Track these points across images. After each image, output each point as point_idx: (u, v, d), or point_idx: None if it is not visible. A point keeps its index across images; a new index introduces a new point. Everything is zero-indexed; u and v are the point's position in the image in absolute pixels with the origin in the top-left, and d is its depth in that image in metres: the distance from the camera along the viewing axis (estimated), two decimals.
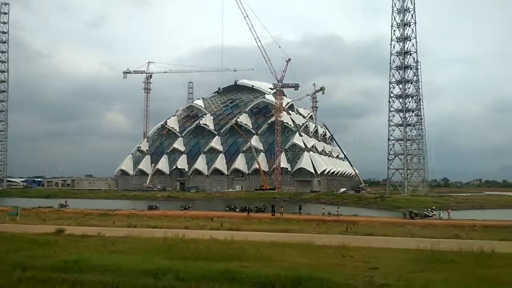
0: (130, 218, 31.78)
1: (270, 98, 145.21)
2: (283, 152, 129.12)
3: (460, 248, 14.68)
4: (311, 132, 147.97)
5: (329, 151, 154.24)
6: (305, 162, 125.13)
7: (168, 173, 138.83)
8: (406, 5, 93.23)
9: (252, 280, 9.53)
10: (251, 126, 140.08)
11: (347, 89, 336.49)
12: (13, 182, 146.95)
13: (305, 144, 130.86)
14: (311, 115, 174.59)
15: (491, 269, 11.59)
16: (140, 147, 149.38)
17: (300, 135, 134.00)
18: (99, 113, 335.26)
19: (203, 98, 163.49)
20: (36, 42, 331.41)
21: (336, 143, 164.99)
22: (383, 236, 21.52)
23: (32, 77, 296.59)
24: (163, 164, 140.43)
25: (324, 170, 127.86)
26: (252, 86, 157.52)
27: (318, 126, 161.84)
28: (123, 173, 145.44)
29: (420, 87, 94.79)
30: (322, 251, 14.87)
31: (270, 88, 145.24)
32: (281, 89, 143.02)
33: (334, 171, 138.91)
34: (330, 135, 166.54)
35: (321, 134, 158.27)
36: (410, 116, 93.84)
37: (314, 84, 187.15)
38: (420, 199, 70.46)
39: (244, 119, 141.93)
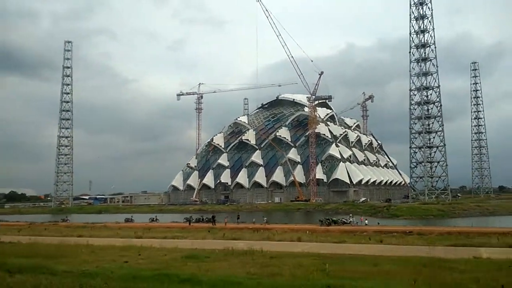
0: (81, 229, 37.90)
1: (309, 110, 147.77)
2: (320, 164, 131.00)
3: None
4: (352, 142, 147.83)
5: (374, 161, 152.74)
6: (340, 172, 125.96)
7: (213, 187, 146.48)
8: (424, 12, 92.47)
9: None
10: (289, 139, 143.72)
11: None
12: (80, 200, 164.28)
13: (341, 155, 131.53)
14: (358, 124, 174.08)
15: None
16: (189, 163, 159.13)
17: (337, 146, 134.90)
18: (181, 130, 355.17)
19: (247, 114, 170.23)
20: (123, 69, 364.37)
21: (384, 152, 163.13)
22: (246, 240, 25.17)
23: (122, 101, 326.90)
24: (208, 179, 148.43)
25: (361, 180, 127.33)
26: (293, 99, 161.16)
27: (363, 135, 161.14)
28: (174, 188, 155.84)
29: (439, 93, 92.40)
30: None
31: (326, 100, 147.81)
32: (322, 101, 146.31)
33: (377, 181, 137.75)
34: (378, 144, 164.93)
35: (366, 144, 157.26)
36: (432, 123, 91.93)
37: (363, 93, 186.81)
38: (423, 207, 69.62)
39: (284, 133, 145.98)
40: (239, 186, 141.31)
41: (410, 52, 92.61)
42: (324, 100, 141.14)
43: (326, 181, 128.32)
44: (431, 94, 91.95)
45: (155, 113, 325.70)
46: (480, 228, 37.68)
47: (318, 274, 13.09)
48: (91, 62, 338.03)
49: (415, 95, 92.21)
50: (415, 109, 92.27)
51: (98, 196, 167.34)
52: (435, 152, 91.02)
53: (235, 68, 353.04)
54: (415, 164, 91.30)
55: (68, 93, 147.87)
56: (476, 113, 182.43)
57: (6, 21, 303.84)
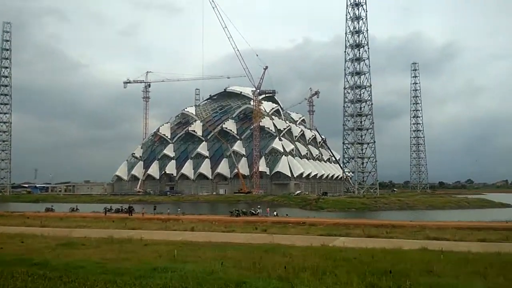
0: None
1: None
2: (263, 157, 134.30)
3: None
4: (296, 136, 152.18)
5: (317, 155, 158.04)
6: (282, 165, 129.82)
7: (158, 178, 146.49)
8: (359, 13, 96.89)
9: None
10: (235, 132, 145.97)
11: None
12: (21, 188, 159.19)
13: (284, 148, 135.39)
14: (303, 119, 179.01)
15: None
16: (135, 153, 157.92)
17: (280, 140, 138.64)
18: (136, 119, 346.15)
19: (195, 105, 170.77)
20: (73, 53, 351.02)
21: (328, 146, 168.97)
22: (144, 230, 26.94)
23: (72, 87, 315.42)
24: (153, 170, 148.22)
25: (302, 173, 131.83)
26: (241, 92, 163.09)
27: (307, 130, 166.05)
28: (119, 178, 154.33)
29: (370, 91, 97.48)
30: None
31: (271, 94, 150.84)
32: (268, 95, 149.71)
33: (318, 175, 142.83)
34: (322, 139, 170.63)
35: (310, 138, 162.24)
36: (364, 121, 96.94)
37: (310, 88, 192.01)
38: (348, 201, 74.19)
39: (230, 125, 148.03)
40: (185, 177, 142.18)
41: (345, 51, 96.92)
42: (271, 94, 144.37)
43: (268, 173, 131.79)
44: (363, 93, 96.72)
45: (107, 100, 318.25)
46: (376, 220, 41.51)
47: (162, 259, 15.14)
48: (40, 43, 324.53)
49: (348, 93, 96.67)
50: (349, 107, 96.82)
51: (38, 185, 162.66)
52: (366, 148, 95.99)
53: (190, 56, 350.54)
54: (347, 159, 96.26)
55: (7, 77, 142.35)
56: (414, 111, 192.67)
57: None
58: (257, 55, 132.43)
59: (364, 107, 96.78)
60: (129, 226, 28.50)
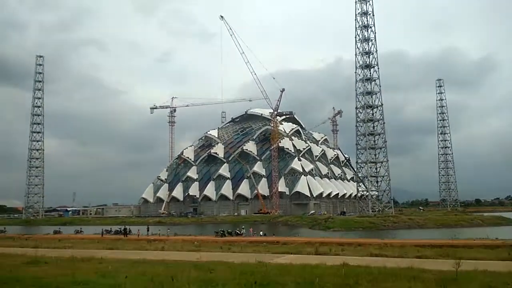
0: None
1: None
2: (283, 177, 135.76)
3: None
4: (317, 156, 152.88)
5: (339, 174, 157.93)
6: (301, 185, 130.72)
7: (181, 199, 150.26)
8: (368, 35, 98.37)
9: None
10: (256, 153, 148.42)
11: (418, 105, 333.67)
12: (55, 212, 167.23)
13: (303, 168, 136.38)
14: (325, 139, 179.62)
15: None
16: (160, 176, 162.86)
17: (299, 160, 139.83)
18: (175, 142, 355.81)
19: (218, 128, 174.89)
20: (112, 81, 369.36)
21: (351, 166, 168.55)
22: (119, 250, 29.52)
23: (111, 113, 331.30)
24: (177, 192, 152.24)
25: (322, 193, 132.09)
26: (261, 114, 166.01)
27: (329, 150, 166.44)
28: (145, 200, 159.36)
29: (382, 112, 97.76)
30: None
31: (282, 115, 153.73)
32: (288, 116, 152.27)
33: (340, 194, 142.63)
34: (345, 158, 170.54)
35: (332, 158, 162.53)
36: (377, 140, 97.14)
37: (333, 107, 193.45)
38: (356, 220, 74.47)
39: (250, 147, 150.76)
40: (207, 198, 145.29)
41: (355, 72, 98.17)
42: (288, 116, 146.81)
43: (288, 194, 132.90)
44: (375, 112, 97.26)
45: (143, 125, 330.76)
46: (365, 239, 42.45)
47: (95, 275, 17.46)
48: (81, 73, 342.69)
49: (360, 112, 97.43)
50: (361, 126, 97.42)
51: (70, 209, 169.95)
52: (379, 167, 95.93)
53: (223, 80, 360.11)
54: (361, 178, 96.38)
55: (39, 107, 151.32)
56: (441, 128, 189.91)
57: None
58: (273, 78, 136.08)
59: (376, 126, 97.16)
60: (109, 246, 31.16)
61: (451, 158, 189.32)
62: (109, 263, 21.13)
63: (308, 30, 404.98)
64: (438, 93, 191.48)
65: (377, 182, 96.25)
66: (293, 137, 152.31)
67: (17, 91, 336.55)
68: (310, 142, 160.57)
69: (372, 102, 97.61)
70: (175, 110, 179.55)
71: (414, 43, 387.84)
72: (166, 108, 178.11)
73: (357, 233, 64.91)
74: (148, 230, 53.13)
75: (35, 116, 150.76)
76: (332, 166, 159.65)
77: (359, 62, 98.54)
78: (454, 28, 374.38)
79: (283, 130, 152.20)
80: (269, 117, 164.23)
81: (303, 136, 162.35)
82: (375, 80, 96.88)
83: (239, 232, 46.25)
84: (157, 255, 23.85)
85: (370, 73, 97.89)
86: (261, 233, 45.55)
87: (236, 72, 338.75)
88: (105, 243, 34.59)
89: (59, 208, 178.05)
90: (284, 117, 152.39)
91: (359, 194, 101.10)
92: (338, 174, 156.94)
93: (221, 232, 43.59)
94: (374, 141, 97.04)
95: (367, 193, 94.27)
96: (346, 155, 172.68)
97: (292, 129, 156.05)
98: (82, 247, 31.51)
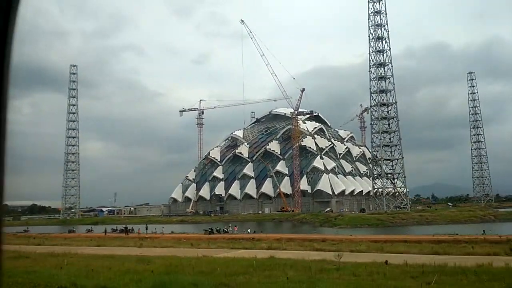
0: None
1: (300, 124, 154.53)
2: (305, 175, 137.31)
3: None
4: (341, 154, 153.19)
5: (364, 171, 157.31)
6: (322, 184, 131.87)
7: (208, 199, 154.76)
8: (382, 34, 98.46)
9: None
10: (279, 152, 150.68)
11: (462, 98, 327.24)
12: (91, 212, 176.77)
13: (325, 166, 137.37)
14: (351, 136, 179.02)
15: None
16: (188, 176, 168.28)
17: (322, 158, 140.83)
18: (206, 143, 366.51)
19: (244, 128, 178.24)
20: (151, 84, 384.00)
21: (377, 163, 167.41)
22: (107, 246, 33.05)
23: (150, 115, 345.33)
24: (204, 191, 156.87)
25: (344, 191, 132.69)
26: (285, 114, 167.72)
27: (354, 147, 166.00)
28: (174, 200, 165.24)
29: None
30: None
31: (303, 115, 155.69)
32: (312, 115, 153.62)
33: (364, 191, 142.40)
34: (371, 156, 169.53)
35: (357, 155, 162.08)
36: (392, 137, 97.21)
37: (361, 104, 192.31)
38: (363, 217, 75.46)
39: (274, 146, 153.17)
40: (232, 197, 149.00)
41: (369, 71, 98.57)
42: (310, 114, 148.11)
43: (310, 192, 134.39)
44: (391, 110, 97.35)
45: (180, 126, 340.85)
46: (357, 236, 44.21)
47: (53, 267, 20.75)
48: (121, 77, 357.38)
49: (375, 111, 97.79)
50: (376, 124, 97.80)
51: (104, 209, 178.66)
52: (395, 164, 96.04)
53: (258, 80, 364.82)
54: (376, 175, 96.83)
55: (74, 113, 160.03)
56: (474, 122, 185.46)
57: (40, 40, 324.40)
58: (294, 78, 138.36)
59: (391, 123, 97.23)
60: (99, 243, 34.79)
61: (485, 153, 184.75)
62: (74, 258, 24.47)
63: (346, 25, 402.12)
64: (470, 87, 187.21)
65: (393, 179, 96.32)
66: (316, 136, 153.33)
67: (61, 97, 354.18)
68: (335, 140, 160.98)
69: (387, 100, 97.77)
70: (203, 112, 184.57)
71: (456, 34, 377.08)
72: (195, 110, 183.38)
73: (363, 230, 66.23)
74: (146, 229, 56.95)
75: (70, 122, 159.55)
76: (358, 163, 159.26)
77: (373, 61, 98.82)
78: (497, 18, 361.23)
79: (306, 129, 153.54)
80: (294, 117, 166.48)
81: (328, 134, 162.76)
82: (389, 78, 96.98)
83: (226, 230, 49.02)
84: (128, 251, 27.05)
85: (385, 71, 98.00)
86: (248, 230, 48.09)
87: (268, 72, 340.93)
88: (99, 241, 38.31)
89: (97, 208, 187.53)
90: (307, 116, 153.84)
91: (373, 191, 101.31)
92: (364, 172, 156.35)
93: (209, 230, 46.53)
94: (390, 138, 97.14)
95: (382, 190, 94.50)
96: (372, 153, 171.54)
97: (315, 127, 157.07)
98: (76, 244, 35.27)
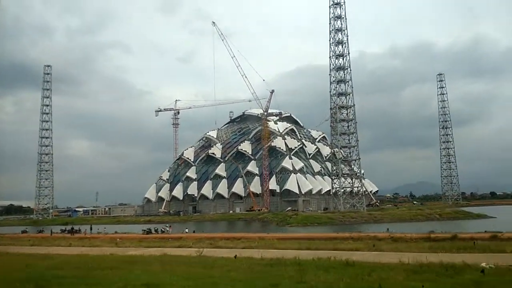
0: None
1: (271, 125, 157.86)
2: (274, 175, 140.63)
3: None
4: (311, 154, 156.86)
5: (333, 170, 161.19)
6: (290, 183, 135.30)
7: (181, 199, 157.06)
8: (341, 39, 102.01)
9: None
10: (250, 153, 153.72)
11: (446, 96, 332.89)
12: (66, 213, 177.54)
13: (293, 166, 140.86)
14: (323, 137, 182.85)
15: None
16: (162, 176, 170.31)
17: (291, 158, 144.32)
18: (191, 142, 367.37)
19: (218, 128, 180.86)
20: (137, 82, 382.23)
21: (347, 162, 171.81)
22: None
23: (137, 113, 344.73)
24: (177, 191, 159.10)
25: (311, 190, 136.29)
26: (257, 114, 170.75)
27: (326, 147, 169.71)
28: (148, 200, 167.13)
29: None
30: None
31: (277, 116, 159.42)
32: (286, 115, 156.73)
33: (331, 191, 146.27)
34: (341, 156, 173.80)
35: (328, 155, 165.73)
36: (351, 139, 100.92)
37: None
38: (315, 216, 78.92)
39: (245, 146, 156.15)
40: (204, 197, 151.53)
41: (330, 74, 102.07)
42: (279, 115, 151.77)
43: (278, 191, 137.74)
44: (349, 112, 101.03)
45: (167, 124, 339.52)
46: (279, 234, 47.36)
47: None
48: (107, 75, 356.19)
49: (335, 113, 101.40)
50: (337, 126, 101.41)
51: (81, 209, 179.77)
52: (353, 165, 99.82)
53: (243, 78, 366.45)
54: (335, 176, 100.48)
55: (48, 113, 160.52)
56: (443, 122, 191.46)
57: (23, 36, 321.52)
58: (263, 80, 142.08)
59: (350, 125, 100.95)
60: (31, 243, 37.34)
61: (453, 152, 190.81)
62: None
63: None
64: (439, 88, 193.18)
65: (351, 179, 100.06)
66: (286, 136, 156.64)
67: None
68: (306, 140, 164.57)
69: (347, 102, 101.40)
70: (178, 112, 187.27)
71: (441, 33, 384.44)
72: (170, 110, 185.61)
73: (311, 229, 69.59)
74: (91, 229, 59.49)
75: (44, 122, 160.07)
76: (328, 163, 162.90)
77: (333, 65, 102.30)
78: (482, 16, 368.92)
79: (277, 129, 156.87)
80: (267, 118, 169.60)
81: (299, 135, 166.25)
82: (347, 82, 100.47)
83: (163, 230, 51.79)
84: (50, 250, 29.64)
85: (344, 74, 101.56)
86: (186, 230, 50.91)
87: (260, 70, 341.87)
88: (40, 241, 40.81)
89: (76, 209, 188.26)
90: (277, 117, 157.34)
91: (332, 191, 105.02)
92: (333, 171, 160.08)
93: (147, 230, 49.26)
94: (349, 140, 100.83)
95: (339, 189, 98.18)
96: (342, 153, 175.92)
97: (286, 128, 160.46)
98: (18, 244, 37.70)
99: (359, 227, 67.93)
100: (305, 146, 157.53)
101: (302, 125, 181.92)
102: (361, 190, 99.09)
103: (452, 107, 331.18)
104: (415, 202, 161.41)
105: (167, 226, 54.32)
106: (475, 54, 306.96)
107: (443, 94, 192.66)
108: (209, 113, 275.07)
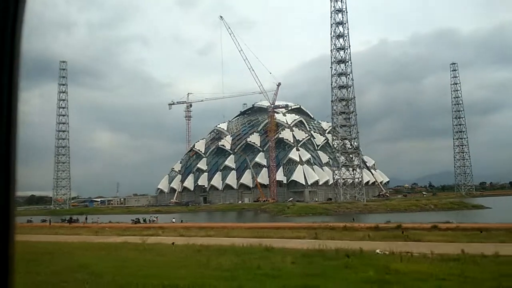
0: None
1: (279, 117, 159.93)
2: (282, 166, 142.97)
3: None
4: (319, 145, 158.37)
5: (342, 162, 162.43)
6: (296, 174, 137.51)
7: (192, 189, 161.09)
8: (342, 32, 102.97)
9: None
10: (259, 144, 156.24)
11: (472, 84, 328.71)
12: (85, 203, 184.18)
13: (300, 158, 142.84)
14: (354, 124, 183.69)
15: None
16: (174, 168, 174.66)
17: (298, 150, 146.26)
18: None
19: (228, 121, 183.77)
20: (158, 74, 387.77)
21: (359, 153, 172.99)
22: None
23: (158, 106, 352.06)
24: (189, 182, 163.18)
25: (318, 181, 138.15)
26: (267, 107, 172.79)
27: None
28: (161, 191, 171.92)
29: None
30: None
31: (284, 108, 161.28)
32: (296, 107, 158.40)
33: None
34: (351, 146, 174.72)
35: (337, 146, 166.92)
36: (351, 131, 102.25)
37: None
38: (311, 206, 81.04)
39: (254, 138, 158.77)
40: (214, 188, 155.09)
41: (331, 67, 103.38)
42: (286, 108, 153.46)
43: (285, 182, 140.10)
44: (350, 105, 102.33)
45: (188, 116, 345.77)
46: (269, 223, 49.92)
47: None
48: (128, 68, 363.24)
49: (337, 106, 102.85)
50: (337, 119, 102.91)
51: (98, 199, 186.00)
52: (353, 156, 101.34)
53: (265, 69, 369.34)
54: (337, 167, 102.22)
55: (64, 108, 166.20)
56: (456, 112, 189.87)
57: (45, 32, 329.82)
58: (270, 73, 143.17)
59: (351, 118, 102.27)
60: (24, 232, 40.86)
61: (467, 143, 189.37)
62: None
63: (351, 11, 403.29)
64: (452, 77, 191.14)
65: (353, 170, 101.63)
66: (294, 128, 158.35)
67: (69, 88, 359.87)
68: (315, 132, 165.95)
69: (348, 95, 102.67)
70: (191, 105, 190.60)
71: (465, 20, 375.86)
72: (183, 103, 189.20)
73: (306, 218, 71.86)
74: (86, 219, 63.20)
75: (60, 116, 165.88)
76: (337, 154, 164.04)
77: (334, 58, 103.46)
78: (507, 2, 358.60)
79: (285, 121, 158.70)
80: (275, 110, 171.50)
81: (308, 127, 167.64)
82: (348, 75, 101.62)
83: (151, 220, 54.93)
84: (27, 237, 32.89)
85: (345, 66, 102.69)
86: (173, 220, 53.88)
87: (281, 60, 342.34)
88: (35, 230, 44.42)
89: (96, 199, 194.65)
90: (285, 109, 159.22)
91: (334, 181, 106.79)
92: (342, 162, 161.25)
93: (136, 220, 52.40)
94: (350, 132, 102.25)
95: (340, 180, 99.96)
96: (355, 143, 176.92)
97: (294, 120, 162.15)
98: None
99: (351, 217, 69.73)
100: (314, 138, 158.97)
101: (312, 116, 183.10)
102: (362, 181, 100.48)
103: (477, 96, 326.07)
104: (424, 193, 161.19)
105: (154, 217, 57.60)
106: (498, 42, 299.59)
107: (456, 84, 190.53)
108: (229, 104, 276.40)
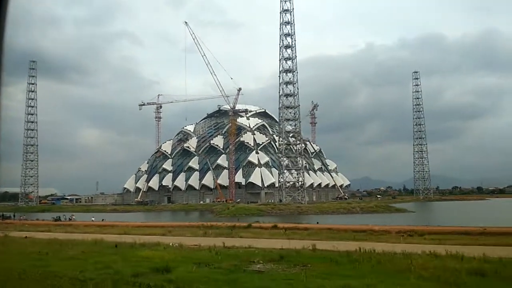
0: None
1: (242, 121, 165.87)
2: (241, 168, 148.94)
3: None
4: (280, 149, 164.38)
5: (304, 165, 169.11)
6: (254, 176, 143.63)
7: (157, 189, 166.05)
8: (290, 43, 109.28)
9: None
10: (222, 147, 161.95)
11: (457, 90, 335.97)
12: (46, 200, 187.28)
13: (259, 161, 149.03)
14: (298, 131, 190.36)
15: None
16: (141, 167, 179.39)
17: (257, 153, 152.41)
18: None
19: (195, 123, 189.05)
20: (146, 72, 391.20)
21: (322, 157, 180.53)
22: None
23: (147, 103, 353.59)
24: (153, 182, 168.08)
25: (274, 183, 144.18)
26: (227, 111, 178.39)
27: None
28: (127, 190, 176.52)
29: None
30: None
31: (244, 112, 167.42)
32: (260, 111, 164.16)
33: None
34: (314, 150, 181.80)
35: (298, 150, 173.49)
36: (297, 140, 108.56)
37: (312, 101, 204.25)
38: (246, 207, 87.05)
39: (218, 141, 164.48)
40: (178, 188, 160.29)
41: (279, 76, 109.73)
42: (243, 113, 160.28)
43: (244, 184, 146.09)
44: (296, 112, 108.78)
45: (174, 115, 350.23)
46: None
47: None
48: (116, 65, 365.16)
49: (283, 112, 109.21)
50: (284, 124, 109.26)
51: (65, 197, 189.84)
52: (298, 160, 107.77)
53: (252, 68, 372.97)
54: (283, 171, 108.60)
55: (33, 106, 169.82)
56: (417, 119, 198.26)
57: (32, 28, 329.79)
58: (231, 78, 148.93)
59: (296, 125, 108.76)
60: None
61: (426, 149, 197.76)
62: None
63: (339, 15, 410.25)
64: (414, 85, 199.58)
65: (297, 173, 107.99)
66: (256, 132, 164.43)
67: (55, 83, 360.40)
68: (278, 136, 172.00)
69: (294, 103, 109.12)
70: (161, 107, 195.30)
71: (452, 26, 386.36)
72: (153, 104, 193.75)
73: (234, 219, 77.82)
74: (14, 216, 68.51)
75: (29, 115, 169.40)
76: (298, 158, 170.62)
77: (282, 67, 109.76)
78: (493, 9, 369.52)
79: (248, 125, 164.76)
80: (239, 114, 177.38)
81: (271, 130, 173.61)
82: (294, 84, 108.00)
83: (70, 218, 60.46)
84: None
85: (293, 76, 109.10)
86: (92, 218, 59.35)
87: (269, 61, 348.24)
88: None
89: (68, 197, 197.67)
90: (254, 112, 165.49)
91: (278, 184, 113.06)
92: (303, 165, 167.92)
93: (57, 218, 57.82)
94: (295, 137, 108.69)
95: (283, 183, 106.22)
96: (317, 147, 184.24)
97: (256, 124, 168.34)
98: None
99: (279, 218, 75.76)
100: (275, 141, 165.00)
101: (277, 120, 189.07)
102: (304, 183, 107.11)
103: (464, 101, 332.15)
104: (378, 196, 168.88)
105: (72, 215, 63.13)
106: (487, 48, 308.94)
107: (417, 91, 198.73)
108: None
